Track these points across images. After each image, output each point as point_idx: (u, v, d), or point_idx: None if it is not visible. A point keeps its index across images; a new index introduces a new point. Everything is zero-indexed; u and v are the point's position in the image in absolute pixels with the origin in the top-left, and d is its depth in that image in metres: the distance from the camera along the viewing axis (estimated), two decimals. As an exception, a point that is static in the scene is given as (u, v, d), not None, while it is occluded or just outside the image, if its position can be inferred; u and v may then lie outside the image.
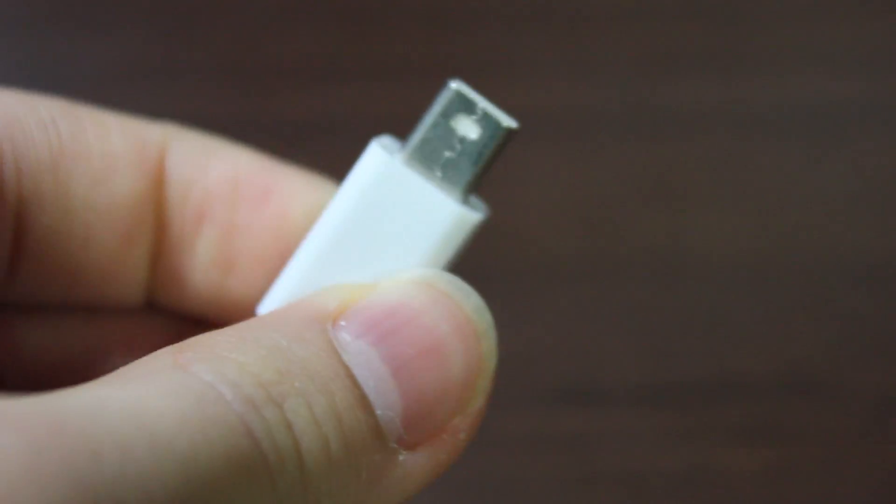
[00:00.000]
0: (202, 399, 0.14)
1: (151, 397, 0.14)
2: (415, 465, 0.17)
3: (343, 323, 0.17)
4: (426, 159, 0.18)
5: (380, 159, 0.18)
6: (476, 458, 0.26)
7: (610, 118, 0.45)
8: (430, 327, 0.17)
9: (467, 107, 0.18)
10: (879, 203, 0.43)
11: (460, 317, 0.17)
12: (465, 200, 0.19)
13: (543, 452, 0.36)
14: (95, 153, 0.20)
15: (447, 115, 0.18)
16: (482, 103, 0.18)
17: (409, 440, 0.17)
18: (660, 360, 0.38)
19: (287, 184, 0.21)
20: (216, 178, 0.21)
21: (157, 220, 0.20)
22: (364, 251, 0.18)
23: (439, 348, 0.17)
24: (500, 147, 0.18)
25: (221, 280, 0.21)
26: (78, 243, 0.20)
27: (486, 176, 0.19)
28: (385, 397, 0.16)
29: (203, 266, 0.21)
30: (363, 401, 0.16)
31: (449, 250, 0.18)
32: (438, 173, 0.18)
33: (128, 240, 0.20)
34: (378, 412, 0.16)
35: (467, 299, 0.17)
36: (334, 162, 0.43)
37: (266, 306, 0.19)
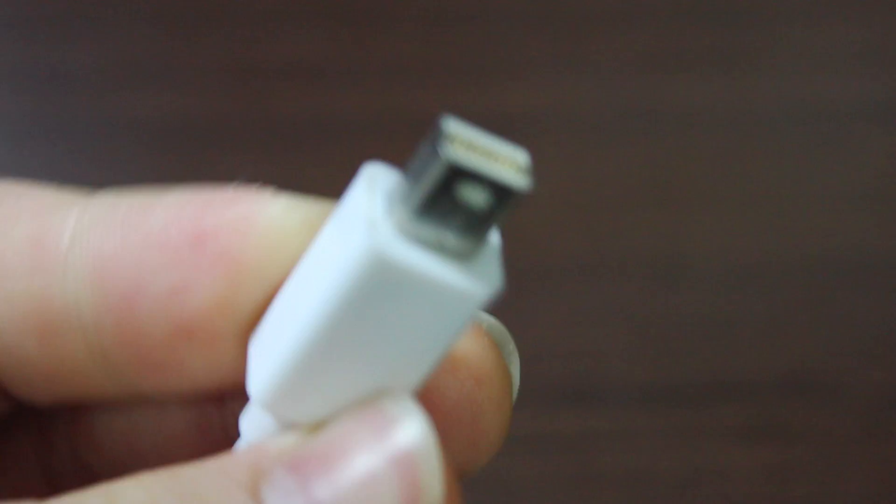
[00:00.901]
0: None
1: None
2: None
3: (273, 478, 0.16)
4: (426, 228, 0.15)
5: (376, 242, 0.15)
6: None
7: (610, 118, 0.45)
8: (364, 458, 0.15)
9: (466, 176, 0.15)
10: (879, 203, 0.43)
11: (391, 444, 0.16)
12: (471, 259, 0.15)
13: (543, 452, 0.36)
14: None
15: (445, 187, 0.15)
16: (486, 170, 0.14)
17: None
18: (660, 360, 0.38)
19: (236, 209, 0.19)
20: (137, 249, 0.19)
21: (72, 313, 0.19)
22: (357, 351, 0.16)
23: (372, 482, 0.15)
24: (515, 204, 0.15)
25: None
26: (2, 346, 0.18)
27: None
28: None
29: (161, 339, 0.19)
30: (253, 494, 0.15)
31: (456, 332, 0.16)
32: (441, 244, 0.15)
33: (43, 337, 0.18)
34: None
35: (402, 423, 0.16)
36: (334, 162, 0.43)
37: (260, 388, 0.17)
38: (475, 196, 0.15)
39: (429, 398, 0.18)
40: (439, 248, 0.15)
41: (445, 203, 0.15)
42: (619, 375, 0.38)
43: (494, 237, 0.16)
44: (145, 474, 0.16)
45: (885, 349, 0.39)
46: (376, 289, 0.15)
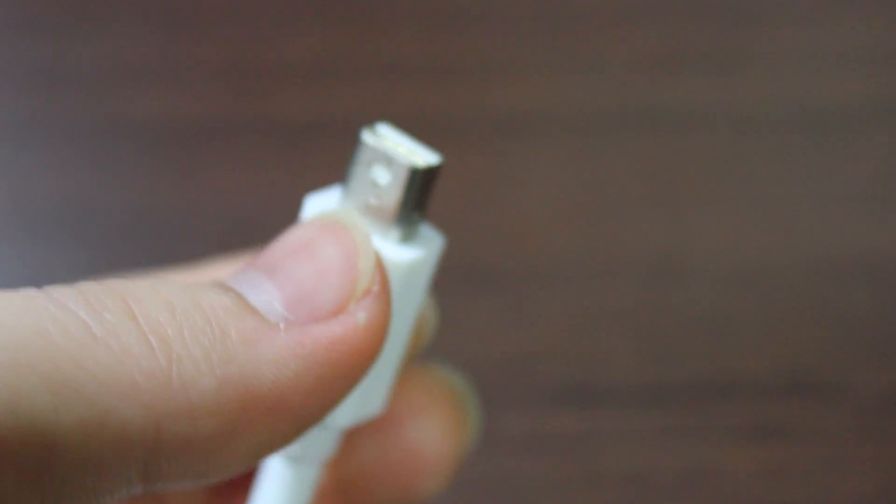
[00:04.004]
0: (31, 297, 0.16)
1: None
2: (305, 336, 0.17)
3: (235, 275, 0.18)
4: (358, 207, 0.19)
5: (314, 212, 0.19)
6: (476, 458, 0.26)
7: (610, 118, 0.45)
8: (298, 237, 0.18)
9: (379, 156, 0.19)
10: (879, 203, 0.43)
11: (325, 218, 0.19)
12: (406, 240, 0.19)
13: (543, 452, 0.36)
14: None
15: (365, 165, 0.19)
16: (392, 150, 0.19)
17: (295, 320, 0.18)
18: (660, 360, 0.38)
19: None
20: None
21: None
22: None
23: (309, 245, 0.18)
24: (418, 186, 0.19)
25: None
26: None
27: (424, 208, 0.19)
28: (258, 289, 0.18)
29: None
30: (224, 287, 0.17)
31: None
32: (371, 221, 0.19)
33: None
34: (250, 298, 0.17)
35: (334, 211, 0.19)
36: (334, 162, 0.43)
37: None
38: (382, 175, 0.19)
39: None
40: (371, 225, 0.19)
41: (366, 184, 0.19)
42: (619, 375, 0.38)
43: (437, 240, 0.20)
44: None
45: (885, 349, 0.39)
46: None
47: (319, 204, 0.20)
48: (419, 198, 0.19)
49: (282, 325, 0.17)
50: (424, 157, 0.19)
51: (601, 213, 0.42)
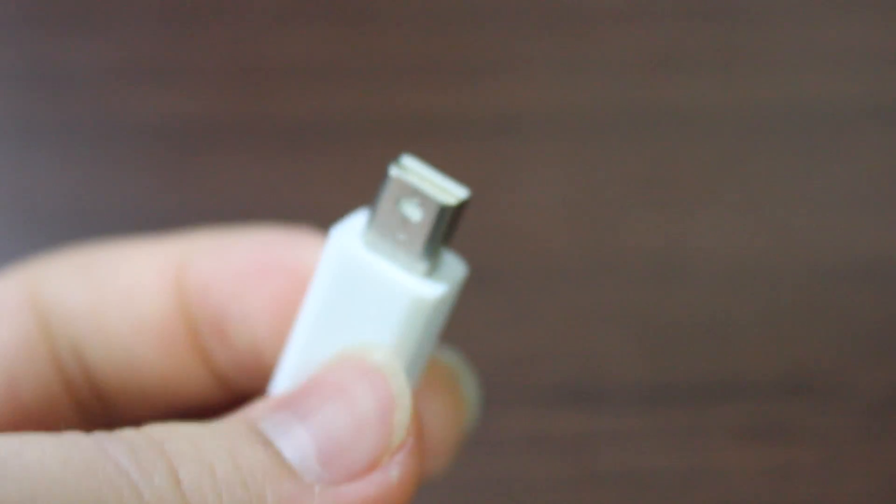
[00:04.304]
0: (86, 451, 0.17)
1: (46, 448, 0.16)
2: (339, 498, 0.18)
3: (266, 416, 0.19)
4: (384, 241, 0.19)
5: (340, 245, 0.19)
6: (476, 458, 0.26)
7: (610, 118, 0.45)
8: (334, 381, 0.18)
9: (408, 192, 0.19)
10: (879, 203, 0.43)
11: (364, 365, 0.19)
12: (432, 272, 0.19)
13: (543, 452, 0.36)
14: (122, 284, 0.23)
15: (393, 200, 0.19)
16: (422, 186, 0.19)
17: (329, 478, 0.18)
18: (660, 360, 0.38)
19: (287, 249, 0.22)
20: (229, 274, 0.22)
21: (188, 329, 0.22)
22: (345, 335, 0.19)
23: (345, 392, 0.18)
24: (447, 223, 0.19)
25: (259, 358, 0.23)
26: (127, 366, 0.23)
27: (449, 239, 0.19)
28: (293, 440, 0.18)
29: (241, 356, 0.23)
30: (263, 440, 0.18)
31: (415, 330, 0.19)
32: (397, 254, 0.19)
33: (163, 348, 0.22)
34: (286, 453, 0.18)
35: (372, 353, 0.19)
36: (334, 162, 0.43)
37: (276, 387, 0.21)
38: (412, 211, 0.19)
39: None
40: (394, 257, 0.19)
41: (394, 217, 0.19)
42: (619, 375, 0.38)
43: (462, 269, 0.20)
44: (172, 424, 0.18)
45: (885, 349, 0.39)
46: (341, 279, 0.19)
47: (344, 238, 0.19)
48: (447, 232, 0.19)
49: (317, 489, 0.17)
50: (454, 192, 0.19)
51: (601, 212, 0.42)
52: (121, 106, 0.44)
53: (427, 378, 0.23)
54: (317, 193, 0.41)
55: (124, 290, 0.22)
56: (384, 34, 0.47)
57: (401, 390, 0.18)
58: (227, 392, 0.23)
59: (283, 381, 0.20)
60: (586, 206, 0.42)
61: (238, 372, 0.23)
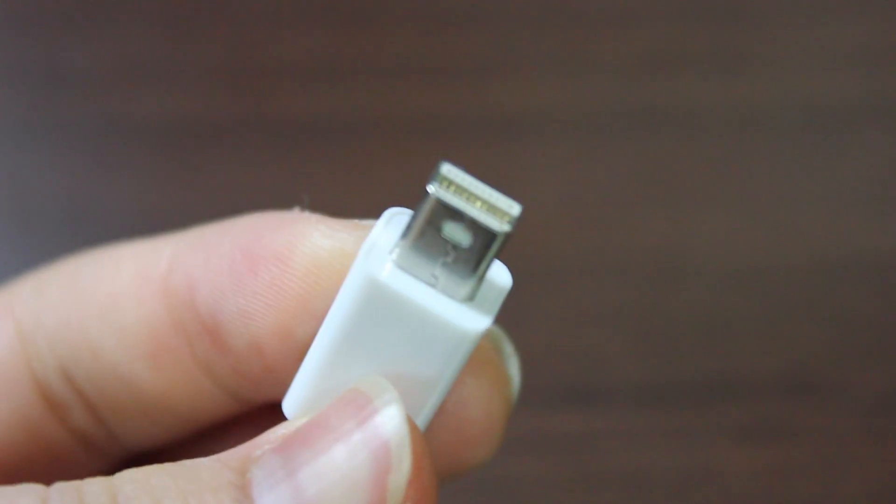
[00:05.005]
0: None
1: None
2: None
3: (262, 460, 0.17)
4: (422, 263, 0.17)
5: (368, 268, 0.17)
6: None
7: (610, 118, 0.45)
8: (333, 426, 0.17)
9: (452, 214, 0.16)
10: (879, 203, 0.43)
11: (366, 411, 0.17)
12: (472, 297, 0.17)
13: (543, 452, 0.36)
14: (103, 293, 0.21)
15: (433, 223, 0.16)
16: (467, 210, 0.16)
17: None
18: (660, 360, 0.38)
19: (276, 234, 0.20)
20: (217, 269, 0.20)
21: (180, 336, 0.21)
22: (371, 362, 0.17)
23: (339, 443, 0.17)
24: (500, 246, 0.17)
25: (260, 357, 0.21)
26: (118, 382, 0.21)
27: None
28: (275, 494, 0.16)
29: (241, 361, 0.21)
30: (241, 497, 0.16)
31: (453, 364, 0.17)
32: (435, 276, 0.17)
33: (155, 360, 0.21)
34: None
35: (381, 394, 0.17)
36: (334, 162, 0.43)
37: (289, 405, 0.19)
38: (459, 235, 0.16)
39: None
40: (432, 282, 0.17)
41: (435, 239, 0.16)
42: (619, 375, 0.38)
43: (505, 282, 0.18)
44: (151, 465, 0.17)
45: (885, 349, 0.39)
46: (370, 308, 0.17)
47: (375, 258, 0.17)
48: (498, 254, 0.17)
49: None
50: (506, 210, 0.17)
51: (601, 213, 0.42)
52: (120, 106, 0.44)
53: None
54: (316, 193, 0.41)
55: (106, 299, 0.21)
56: (384, 34, 0.47)
57: (398, 443, 0.16)
58: (237, 402, 0.21)
59: (296, 399, 0.18)
60: (586, 206, 0.42)
61: (241, 379, 0.21)
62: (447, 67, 0.46)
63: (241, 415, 0.22)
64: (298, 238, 0.19)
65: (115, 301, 0.21)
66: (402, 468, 0.16)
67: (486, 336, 0.20)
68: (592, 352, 0.38)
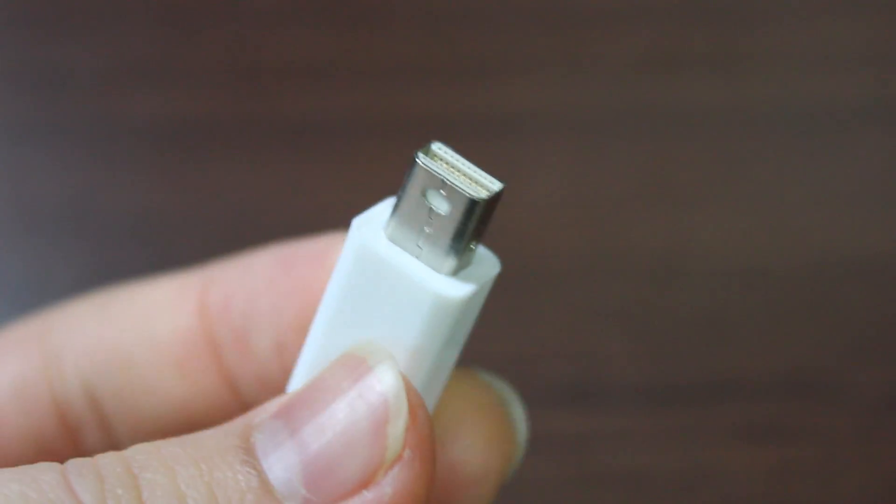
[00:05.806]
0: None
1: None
2: None
3: (263, 424, 0.18)
4: (409, 234, 0.18)
5: (360, 237, 0.18)
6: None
7: (610, 118, 0.45)
8: (330, 386, 0.17)
9: (435, 182, 0.17)
10: (879, 203, 0.43)
11: (361, 369, 0.17)
12: (459, 270, 0.18)
13: (543, 452, 0.36)
14: (138, 308, 0.22)
15: (419, 189, 0.18)
16: (450, 177, 0.17)
17: (315, 500, 0.17)
18: (660, 360, 0.38)
19: (318, 243, 0.21)
20: (251, 279, 0.22)
21: (209, 346, 0.22)
22: (362, 333, 0.18)
23: (337, 400, 0.17)
24: (477, 218, 0.18)
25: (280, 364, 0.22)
26: (142, 394, 0.22)
27: (480, 235, 0.18)
28: (281, 459, 0.17)
29: (262, 365, 0.22)
30: (248, 458, 0.17)
31: (437, 333, 0.18)
32: (423, 249, 0.18)
33: (183, 369, 0.22)
34: (272, 474, 0.17)
35: (374, 354, 0.18)
36: (334, 162, 0.43)
37: (292, 384, 0.20)
38: (440, 203, 0.17)
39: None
40: (417, 252, 0.18)
41: (419, 209, 0.17)
42: (619, 375, 0.38)
43: (492, 266, 0.19)
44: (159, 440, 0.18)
45: (885, 349, 0.39)
46: (360, 277, 0.18)
47: (365, 230, 0.18)
48: (478, 227, 0.18)
49: None
50: (486, 184, 0.18)
51: (601, 212, 0.42)
52: (119, 106, 0.44)
53: (469, 405, 0.21)
54: (316, 193, 0.41)
55: (141, 312, 0.22)
56: (384, 34, 0.47)
57: (396, 396, 0.17)
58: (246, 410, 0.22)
59: (298, 378, 0.19)
60: (586, 205, 0.42)
61: (261, 387, 0.21)
62: (447, 67, 0.46)
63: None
64: (336, 242, 0.21)
65: (149, 313, 0.22)
66: (400, 418, 0.17)
67: (499, 397, 0.22)
68: (592, 352, 0.38)
